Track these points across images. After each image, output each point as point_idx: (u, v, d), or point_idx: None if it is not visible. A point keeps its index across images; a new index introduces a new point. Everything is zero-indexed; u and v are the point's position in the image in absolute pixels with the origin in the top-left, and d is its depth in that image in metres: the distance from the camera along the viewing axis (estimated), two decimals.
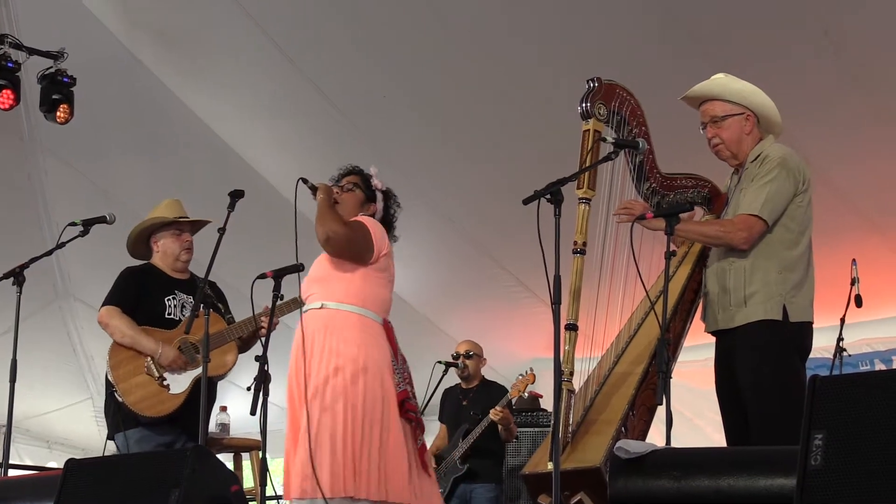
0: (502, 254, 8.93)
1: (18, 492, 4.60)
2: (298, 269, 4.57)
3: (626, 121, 4.59)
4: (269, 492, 4.45)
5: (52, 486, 4.14)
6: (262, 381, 4.30)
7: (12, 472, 6.03)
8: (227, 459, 6.23)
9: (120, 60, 7.84)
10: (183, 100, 8.15)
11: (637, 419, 4.37)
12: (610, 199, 4.55)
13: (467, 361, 7.56)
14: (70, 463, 4.19)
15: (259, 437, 4.49)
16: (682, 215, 4.32)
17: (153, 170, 8.74)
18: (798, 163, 4.50)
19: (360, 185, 4.97)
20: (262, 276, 4.44)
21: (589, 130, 4.46)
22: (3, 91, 7.01)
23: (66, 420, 11.20)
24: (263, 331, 4.93)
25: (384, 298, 4.80)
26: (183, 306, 5.62)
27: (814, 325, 4.48)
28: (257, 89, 8.09)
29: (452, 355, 7.60)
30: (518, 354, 9.45)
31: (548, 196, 3.80)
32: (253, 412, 4.25)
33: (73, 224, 5.58)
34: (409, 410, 4.64)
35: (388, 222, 4.98)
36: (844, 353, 6.78)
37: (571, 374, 4.34)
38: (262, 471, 4.56)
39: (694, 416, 8.63)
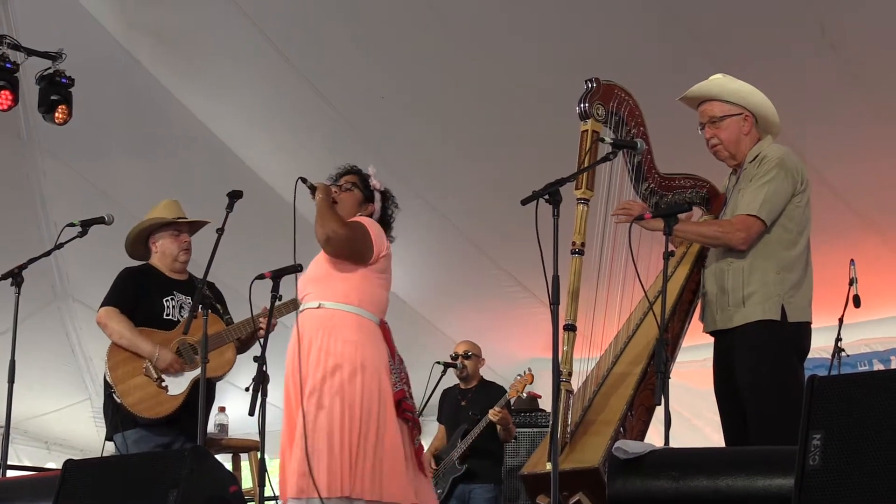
0: (501, 254, 8.93)
1: (17, 492, 4.59)
2: (297, 269, 4.57)
3: (625, 121, 4.58)
4: (267, 492, 4.45)
5: (51, 487, 4.14)
6: (261, 382, 4.30)
7: (11, 473, 6.03)
8: (225, 460, 6.22)
9: (118, 61, 7.84)
10: (181, 100, 8.15)
11: (635, 419, 4.37)
12: (608, 199, 4.55)
13: (466, 362, 7.55)
14: (68, 464, 4.19)
15: (258, 438, 4.49)
16: (680, 216, 4.32)
17: (151, 170, 8.73)
18: (796, 163, 4.50)
19: (359, 185, 4.97)
20: (261, 277, 4.44)
21: (587, 131, 4.45)
22: (2, 92, 7.00)
23: (64, 421, 11.19)
24: (262, 332, 4.93)
25: (382, 299, 4.79)
26: (181, 307, 5.62)
27: (812, 326, 4.48)
28: (255, 89, 8.09)
29: (451, 356, 7.60)
30: (516, 355, 9.44)
31: (546, 196, 3.80)
32: (251, 413, 4.25)
33: (72, 225, 5.58)
34: (405, 410, 4.64)
35: (385, 222, 4.98)
36: (843, 354, 6.78)
37: (570, 374, 4.34)
38: (261, 471, 4.55)
39: (692, 417, 8.63)
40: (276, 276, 4.47)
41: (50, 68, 7.19)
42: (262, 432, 4.30)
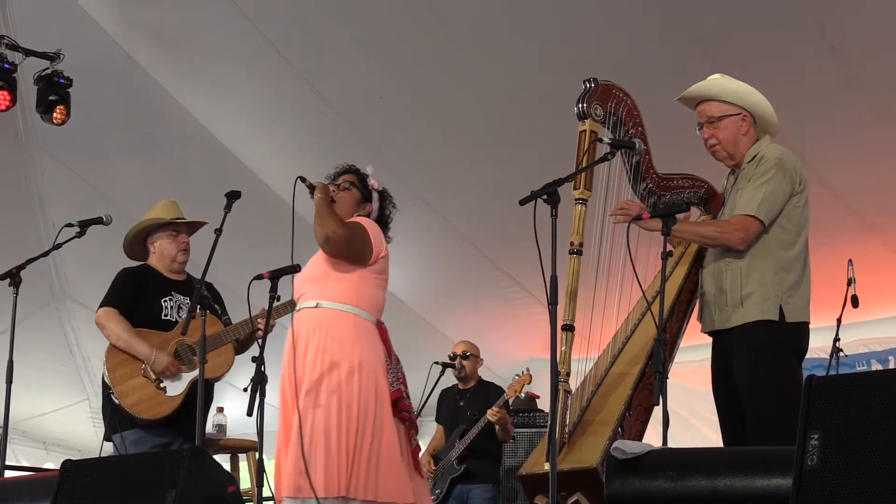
0: (499, 254, 8.94)
1: (15, 493, 4.59)
2: (295, 269, 4.56)
3: (623, 121, 4.58)
4: (265, 493, 4.44)
5: (49, 488, 4.13)
6: (259, 382, 4.30)
7: (9, 474, 6.02)
8: (223, 460, 6.23)
9: (116, 61, 7.84)
10: (179, 101, 8.15)
11: (634, 419, 4.37)
12: (606, 199, 4.55)
13: (464, 362, 7.55)
14: (67, 464, 4.19)
15: (256, 438, 4.49)
16: (678, 216, 4.31)
17: (150, 171, 8.73)
18: (794, 163, 4.50)
19: (357, 184, 4.97)
20: (259, 277, 4.43)
21: (585, 131, 4.46)
22: (0, 92, 7.00)
23: (62, 421, 11.19)
24: (260, 332, 4.93)
25: (379, 299, 4.80)
26: (180, 307, 5.61)
27: (810, 326, 4.49)
28: (254, 90, 8.09)
29: (449, 356, 7.59)
30: (515, 355, 9.45)
31: (544, 197, 3.80)
32: (250, 413, 4.24)
33: (70, 225, 5.57)
34: (402, 410, 4.64)
35: (383, 223, 4.98)
36: (841, 354, 6.78)
37: (568, 374, 4.34)
38: (259, 472, 4.54)
39: (690, 417, 8.63)
40: (275, 276, 4.46)
41: (48, 69, 7.18)
42: (260, 433, 4.29)
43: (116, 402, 5.33)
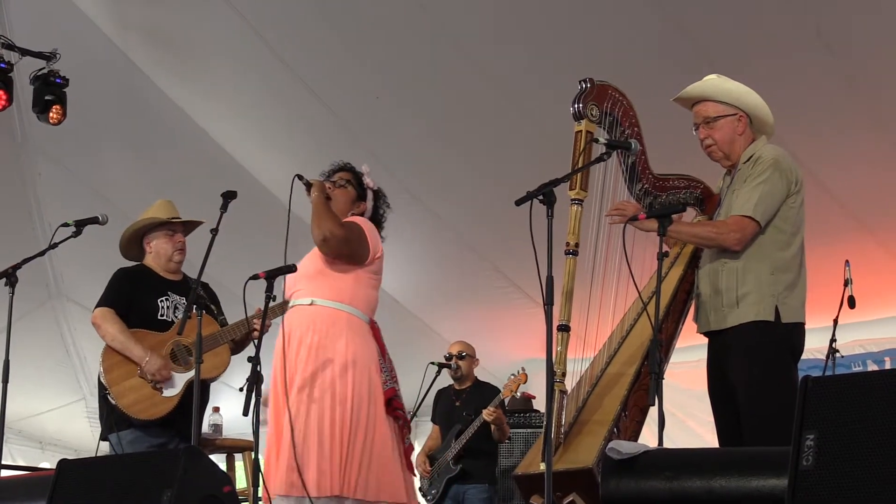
0: (495, 255, 8.94)
1: (11, 492, 4.58)
2: (291, 269, 4.56)
3: (619, 121, 4.58)
4: (261, 492, 4.44)
5: (45, 487, 4.13)
6: (255, 382, 4.30)
7: (5, 473, 6.02)
8: (219, 460, 6.23)
9: (113, 61, 7.84)
10: (175, 101, 8.15)
11: (629, 420, 4.37)
12: (602, 200, 4.55)
13: (460, 362, 7.56)
14: (62, 463, 4.18)
15: (252, 438, 4.48)
16: (674, 216, 4.32)
17: (146, 170, 8.73)
18: (790, 164, 4.50)
19: (352, 182, 4.98)
20: (255, 277, 4.43)
21: (581, 131, 4.45)
22: None
23: (58, 420, 11.19)
24: (256, 333, 4.93)
25: (372, 299, 4.81)
26: (176, 307, 5.61)
27: (806, 327, 4.48)
28: (250, 90, 8.09)
29: (445, 356, 7.60)
30: (510, 355, 9.44)
31: (540, 197, 3.80)
32: (245, 413, 4.24)
33: (66, 225, 5.55)
34: (396, 408, 4.64)
35: (376, 222, 4.98)
36: (837, 355, 6.78)
37: (564, 374, 4.33)
38: (255, 471, 4.54)
39: (686, 417, 8.64)
40: (271, 276, 4.46)
41: (44, 68, 7.19)
42: (256, 432, 4.29)
43: (113, 402, 5.33)
